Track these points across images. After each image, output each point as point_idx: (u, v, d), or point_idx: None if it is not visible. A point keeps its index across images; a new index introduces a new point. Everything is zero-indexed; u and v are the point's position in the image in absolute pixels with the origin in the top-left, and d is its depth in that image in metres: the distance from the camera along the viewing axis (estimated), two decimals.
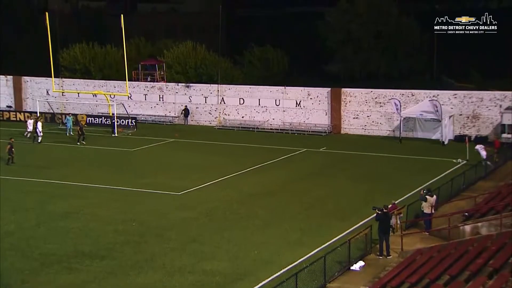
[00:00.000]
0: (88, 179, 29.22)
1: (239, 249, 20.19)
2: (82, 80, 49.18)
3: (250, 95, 44.91)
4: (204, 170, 31.25)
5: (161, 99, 47.21)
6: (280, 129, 43.19)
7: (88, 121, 44.64)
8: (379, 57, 54.55)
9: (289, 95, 43.86)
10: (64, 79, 49.26)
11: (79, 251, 19.88)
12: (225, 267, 18.76)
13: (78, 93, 47.59)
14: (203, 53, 49.13)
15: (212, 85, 45.91)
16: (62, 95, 48.58)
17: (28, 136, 39.18)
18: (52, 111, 47.12)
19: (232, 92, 45.40)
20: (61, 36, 46.45)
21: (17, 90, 50.05)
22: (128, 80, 43.40)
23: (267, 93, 44.48)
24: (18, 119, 47.06)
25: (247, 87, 45.40)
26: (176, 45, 50.30)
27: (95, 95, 47.19)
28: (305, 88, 43.50)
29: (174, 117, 46.68)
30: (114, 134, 41.75)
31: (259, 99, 44.64)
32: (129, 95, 45.66)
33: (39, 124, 38.41)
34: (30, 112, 47.20)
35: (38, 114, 44.59)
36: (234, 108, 45.27)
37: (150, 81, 48.57)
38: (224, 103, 45.53)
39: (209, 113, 45.95)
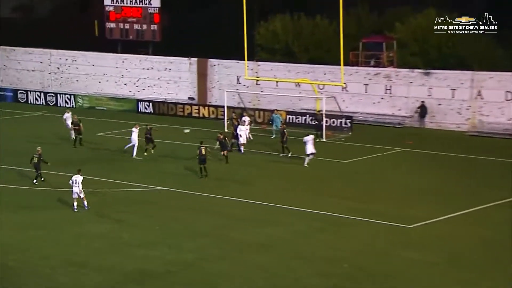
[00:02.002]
0: (285, 199, 30.23)
1: None
2: (282, 64, 51.01)
3: None
4: (446, 195, 30.67)
5: (387, 91, 47.18)
6: None
7: (287, 120, 46.12)
8: None
9: None
10: (259, 63, 51.62)
11: None
12: None
13: (277, 82, 49.44)
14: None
15: (464, 71, 44.69)
16: (256, 84, 50.95)
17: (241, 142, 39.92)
18: (242, 105, 49.56)
19: (494, 83, 43.78)
20: (260, 6, 48.60)
21: (201, 77, 53.76)
22: (344, 65, 43.58)
23: None
24: (201, 115, 50.38)
25: None
26: (413, 15, 49.61)
27: (298, 84, 48.53)
28: None
29: (406, 117, 46.40)
30: (322, 138, 42.51)
31: None
32: (344, 85, 46.02)
33: (245, 122, 39.77)
34: (216, 106, 50.41)
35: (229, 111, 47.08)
36: (496, 106, 43.66)
37: (373, 66, 48.81)
38: (482, 98, 44.10)
39: (458, 112, 44.93)
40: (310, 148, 35.80)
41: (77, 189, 28.47)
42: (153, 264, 23.08)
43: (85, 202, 28.68)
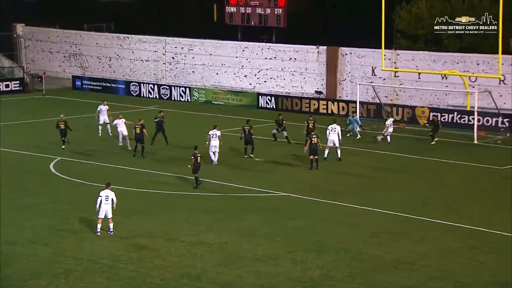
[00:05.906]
0: (425, 210, 29.67)
1: None
2: (426, 52, 49.99)
3: None
4: None
5: None
6: None
7: (430, 119, 45.04)
8: None
9: None
10: (399, 52, 50.84)
11: None
12: None
13: (419, 73, 48.56)
14: None
15: None
16: (395, 76, 50.18)
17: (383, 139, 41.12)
18: (378, 101, 48.67)
19: None
20: None
21: (331, 68, 53.33)
22: (503, 53, 42.22)
23: None
24: (330, 111, 49.86)
25: None
26: None
27: (445, 76, 47.49)
28: None
29: None
30: (474, 140, 41.80)
31: None
32: (502, 78, 44.76)
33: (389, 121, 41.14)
34: (347, 102, 49.77)
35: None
36: None
37: None
38: None
39: None
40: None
41: (108, 207, 25.92)
42: (275, 281, 22.80)
43: (111, 225, 26.19)
